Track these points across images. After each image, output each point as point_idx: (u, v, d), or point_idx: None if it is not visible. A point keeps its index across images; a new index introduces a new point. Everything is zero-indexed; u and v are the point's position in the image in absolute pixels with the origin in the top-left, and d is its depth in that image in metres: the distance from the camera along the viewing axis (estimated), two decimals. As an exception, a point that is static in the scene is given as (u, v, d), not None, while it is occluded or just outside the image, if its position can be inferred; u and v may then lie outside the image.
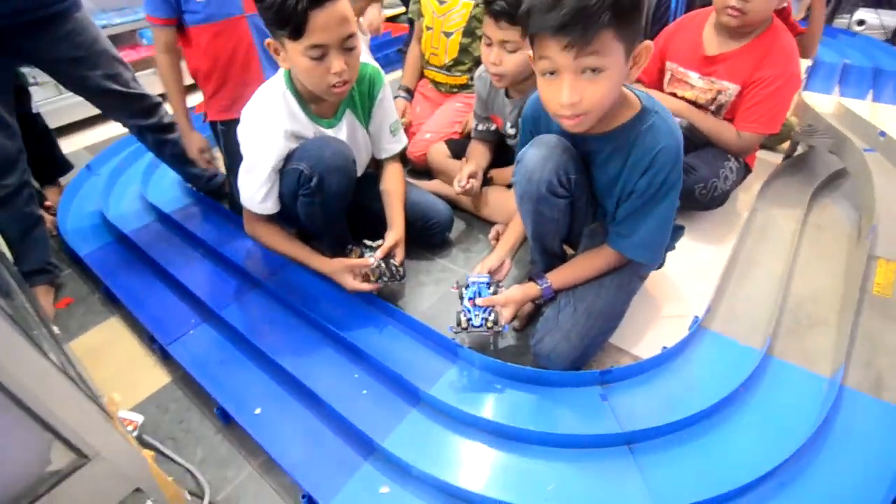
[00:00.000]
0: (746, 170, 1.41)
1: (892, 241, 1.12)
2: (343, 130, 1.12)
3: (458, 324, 0.93)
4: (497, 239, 1.32)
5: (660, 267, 1.05)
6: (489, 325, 0.93)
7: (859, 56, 2.44)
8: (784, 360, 0.95)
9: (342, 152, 1.04)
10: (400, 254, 1.14)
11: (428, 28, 1.64)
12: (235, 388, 0.99)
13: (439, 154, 1.55)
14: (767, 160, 1.61)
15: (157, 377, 1.07)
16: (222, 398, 0.96)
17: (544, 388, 0.93)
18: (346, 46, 0.94)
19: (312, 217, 1.11)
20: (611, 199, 0.92)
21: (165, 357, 1.10)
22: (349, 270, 1.09)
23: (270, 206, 1.10)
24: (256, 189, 1.07)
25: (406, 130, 1.65)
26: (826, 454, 0.79)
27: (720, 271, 1.16)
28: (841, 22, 3.01)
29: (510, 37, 1.05)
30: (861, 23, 2.92)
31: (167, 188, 1.68)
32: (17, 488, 0.51)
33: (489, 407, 0.90)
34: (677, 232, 1.01)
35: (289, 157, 1.05)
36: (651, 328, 1.07)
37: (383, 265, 1.11)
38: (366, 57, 1.13)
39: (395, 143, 1.23)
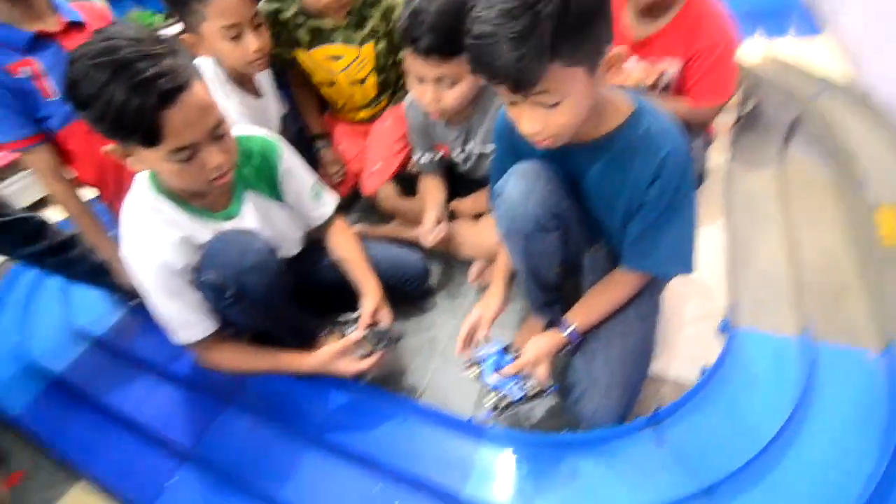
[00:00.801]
0: (707, 140, 1.36)
1: (886, 185, 1.09)
2: (249, 216, 0.94)
3: (496, 407, 0.80)
4: (477, 279, 1.21)
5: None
6: (533, 392, 0.80)
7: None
8: (830, 343, 0.88)
9: (252, 246, 0.87)
10: (386, 316, 1.00)
11: (330, 84, 1.41)
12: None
13: (389, 196, 1.39)
14: (721, 121, 1.57)
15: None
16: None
17: (596, 444, 0.81)
18: (217, 135, 0.77)
19: (253, 322, 0.95)
20: (613, 217, 0.82)
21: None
22: (339, 356, 0.94)
23: (206, 327, 0.92)
24: (176, 320, 0.89)
25: (343, 173, 1.51)
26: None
27: (723, 257, 1.09)
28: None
29: (446, 72, 0.95)
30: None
31: (92, 305, 1.43)
32: None
33: (535, 490, 0.77)
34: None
35: (197, 266, 0.87)
36: (679, 339, 0.99)
37: (372, 334, 0.96)
38: (244, 126, 0.98)
39: (323, 207, 1.06)
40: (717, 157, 1.40)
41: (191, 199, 0.87)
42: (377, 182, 1.40)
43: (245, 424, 1.00)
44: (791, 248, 1.07)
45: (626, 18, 1.23)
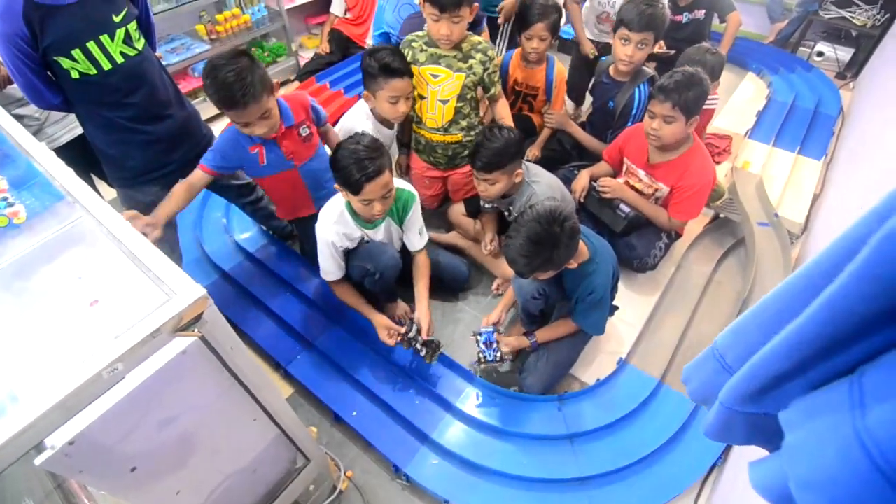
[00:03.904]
0: (677, 235, 1.97)
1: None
2: (381, 231, 1.66)
3: (479, 361, 1.55)
4: (498, 289, 1.92)
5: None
6: (498, 359, 1.55)
7: (808, 93, 2.91)
8: (669, 387, 1.59)
9: (394, 256, 1.64)
10: (425, 325, 1.65)
11: (422, 97, 1.86)
12: (337, 397, 1.61)
13: (457, 213, 2.10)
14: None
15: (284, 389, 1.69)
16: (331, 405, 1.58)
17: (525, 402, 1.56)
18: (385, 196, 1.47)
19: (375, 288, 1.70)
20: (572, 297, 1.51)
21: (286, 374, 1.71)
22: (385, 327, 1.62)
23: (338, 275, 1.65)
24: (327, 266, 1.63)
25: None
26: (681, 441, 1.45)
27: (644, 320, 1.77)
28: (804, 51, 3.43)
29: (489, 178, 1.64)
30: (820, 54, 3.35)
31: (247, 227, 2.20)
32: (285, 472, 1.13)
33: (493, 413, 1.53)
34: (613, 310, 1.61)
35: (356, 253, 1.61)
36: (594, 362, 1.70)
37: (412, 337, 1.55)
38: (403, 182, 1.67)
39: (421, 241, 1.74)
40: (681, 249, 2.03)
41: (359, 216, 1.58)
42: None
43: (342, 336, 1.78)
44: (684, 330, 1.74)
45: (648, 145, 1.82)
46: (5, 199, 0.86)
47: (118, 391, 0.62)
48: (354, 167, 1.37)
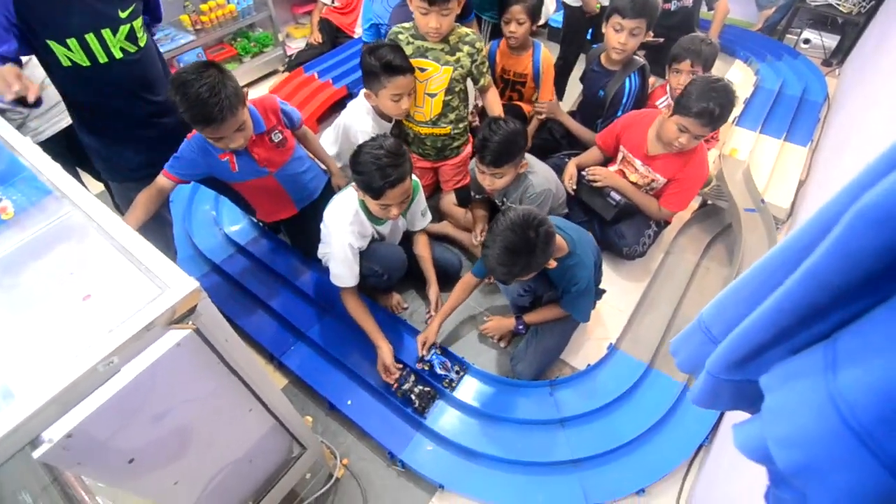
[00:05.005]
0: (666, 223, 2.00)
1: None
2: (389, 223, 1.67)
3: (449, 387, 1.57)
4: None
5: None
6: (456, 371, 1.60)
7: (794, 80, 2.94)
8: (658, 371, 1.62)
9: (402, 258, 1.69)
10: (433, 300, 1.74)
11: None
12: (331, 387, 1.62)
13: (448, 203, 2.11)
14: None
15: (278, 380, 1.70)
16: (325, 394, 1.60)
17: (517, 388, 1.59)
18: (403, 201, 1.49)
19: (381, 284, 1.73)
20: (559, 288, 1.53)
21: (280, 365, 1.72)
22: (386, 366, 1.55)
23: (351, 282, 1.58)
24: (342, 271, 1.57)
25: None
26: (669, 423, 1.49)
27: (633, 305, 1.80)
28: (791, 38, 3.45)
29: (497, 172, 1.64)
30: (807, 41, 3.38)
31: (236, 219, 2.19)
32: (281, 461, 1.15)
33: (486, 399, 1.56)
34: (600, 293, 1.64)
35: (365, 254, 1.61)
36: (584, 348, 1.73)
37: (407, 388, 1.55)
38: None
39: (423, 221, 1.78)
40: (669, 236, 2.06)
41: (371, 213, 1.58)
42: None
43: (334, 325, 1.79)
44: (672, 316, 1.77)
45: (647, 137, 1.82)
46: (-8, 194, 0.85)
47: (114, 384, 0.63)
48: (378, 173, 1.37)
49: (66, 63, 1.28)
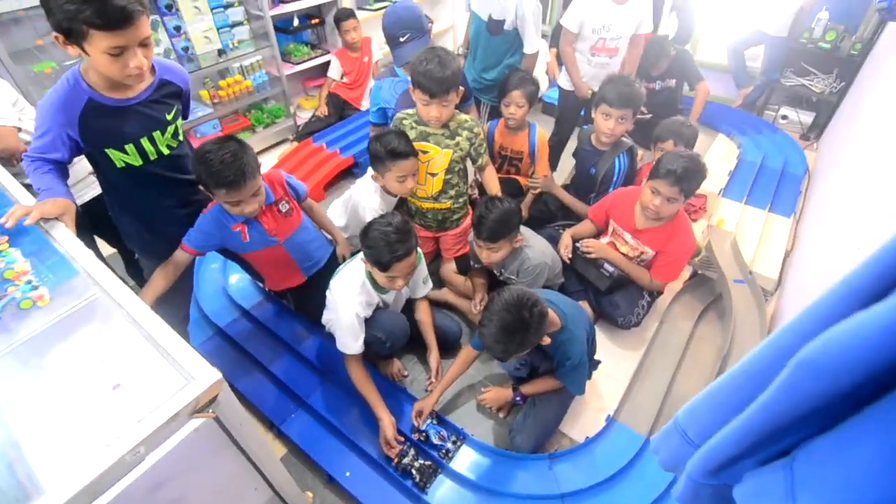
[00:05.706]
0: (659, 293, 2.07)
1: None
2: (392, 293, 1.74)
3: (446, 457, 1.58)
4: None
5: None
6: (453, 441, 1.61)
7: (775, 153, 3.12)
8: (656, 444, 1.63)
9: (405, 327, 1.75)
10: (434, 362, 1.79)
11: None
12: (330, 457, 1.62)
13: (448, 271, 2.18)
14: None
15: (277, 448, 1.70)
16: (325, 465, 1.59)
17: (516, 461, 1.59)
18: (408, 274, 1.58)
19: (383, 352, 1.77)
20: (554, 360, 1.58)
21: (279, 433, 1.73)
22: (387, 439, 1.56)
23: (356, 350, 1.61)
24: (348, 340, 1.62)
25: None
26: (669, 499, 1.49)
27: (630, 375, 1.83)
28: (769, 114, 3.69)
29: (493, 246, 1.74)
30: (784, 117, 3.60)
31: (241, 285, 2.25)
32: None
33: (485, 472, 1.56)
34: (595, 364, 1.68)
35: (369, 322, 1.66)
36: (582, 418, 1.75)
37: (408, 463, 1.54)
38: None
39: (425, 289, 1.86)
40: (662, 306, 2.13)
41: (377, 283, 1.65)
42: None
43: (334, 392, 1.81)
44: (670, 385, 1.80)
45: (634, 212, 1.93)
46: (30, 282, 0.92)
47: (137, 471, 0.67)
48: (386, 248, 1.48)
49: (120, 165, 1.40)
